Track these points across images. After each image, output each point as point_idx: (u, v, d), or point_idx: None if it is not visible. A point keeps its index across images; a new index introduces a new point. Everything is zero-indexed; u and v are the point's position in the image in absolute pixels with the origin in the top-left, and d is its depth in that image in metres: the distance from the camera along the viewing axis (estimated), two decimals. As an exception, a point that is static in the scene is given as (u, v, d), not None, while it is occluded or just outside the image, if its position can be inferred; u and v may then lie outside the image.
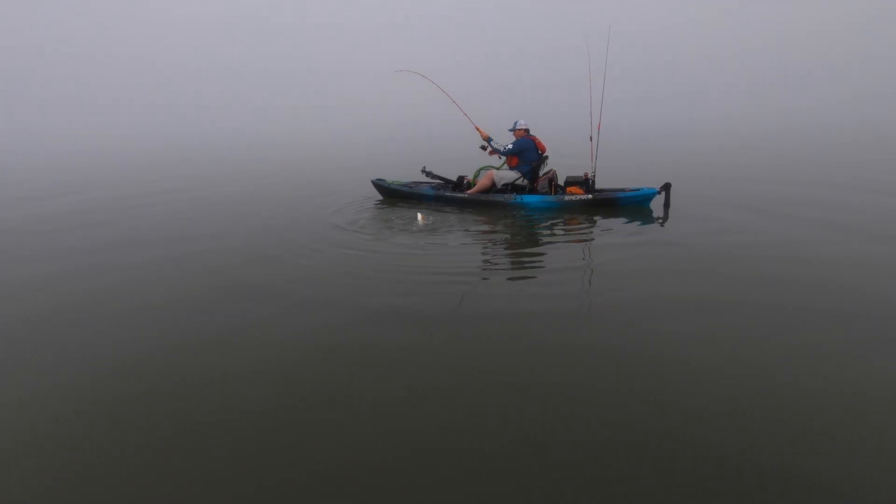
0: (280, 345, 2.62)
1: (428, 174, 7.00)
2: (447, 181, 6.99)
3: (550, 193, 6.11)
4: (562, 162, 7.09)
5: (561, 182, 6.29)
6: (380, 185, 7.17)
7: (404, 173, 7.77)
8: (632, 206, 5.84)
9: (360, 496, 1.56)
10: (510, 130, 6.33)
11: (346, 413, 2.00)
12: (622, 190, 6.00)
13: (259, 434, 1.87)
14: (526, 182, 6.32)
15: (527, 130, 6.28)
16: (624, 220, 5.28)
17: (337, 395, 2.13)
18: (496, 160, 6.55)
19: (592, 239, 4.63)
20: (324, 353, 2.51)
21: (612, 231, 4.83)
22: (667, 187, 5.74)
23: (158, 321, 2.97)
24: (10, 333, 2.88)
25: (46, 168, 14.20)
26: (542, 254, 4.26)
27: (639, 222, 5.17)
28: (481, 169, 6.66)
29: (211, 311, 3.12)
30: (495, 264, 4.06)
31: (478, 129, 6.41)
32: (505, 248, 4.47)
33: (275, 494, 1.58)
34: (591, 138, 6.08)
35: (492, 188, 6.39)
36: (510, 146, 6.22)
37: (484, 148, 6.43)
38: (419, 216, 5.50)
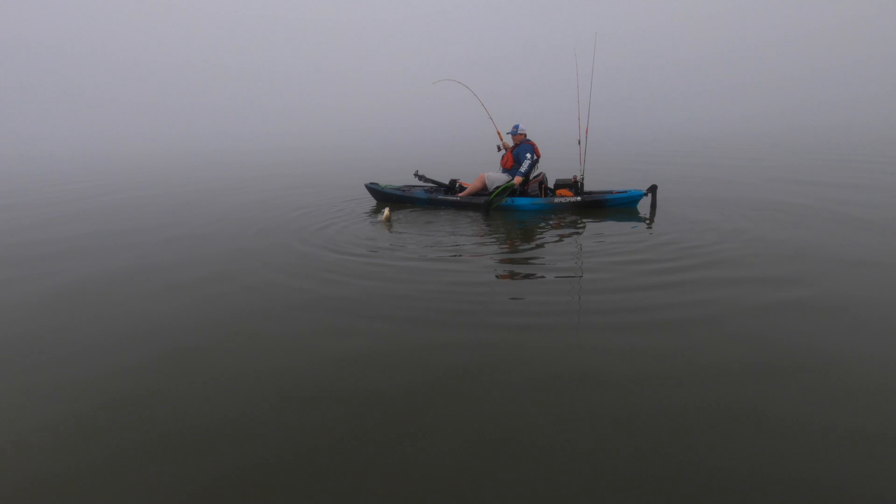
0: (278, 346, 2.71)
1: (420, 178, 7.13)
2: (440, 184, 7.13)
3: (541, 196, 6.27)
4: (551, 165, 7.26)
5: (551, 185, 6.46)
6: (373, 190, 7.28)
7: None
8: (619, 207, 6.02)
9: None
10: (509, 134, 6.47)
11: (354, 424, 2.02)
12: (610, 192, 6.18)
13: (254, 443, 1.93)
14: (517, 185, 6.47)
15: (525, 135, 6.43)
16: (612, 221, 5.44)
17: (336, 402, 2.17)
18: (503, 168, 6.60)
19: (581, 240, 4.76)
20: (326, 357, 2.59)
21: (601, 232, 4.98)
22: (653, 189, 5.93)
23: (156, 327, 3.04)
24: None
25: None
26: (533, 255, 4.38)
27: (627, 223, 5.33)
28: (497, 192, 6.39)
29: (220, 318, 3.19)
30: (488, 266, 4.15)
31: (499, 135, 6.64)
32: (497, 250, 4.58)
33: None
34: (579, 142, 6.27)
35: (483, 191, 6.53)
36: (525, 166, 6.21)
37: (499, 148, 6.58)
38: (385, 211, 5.87)
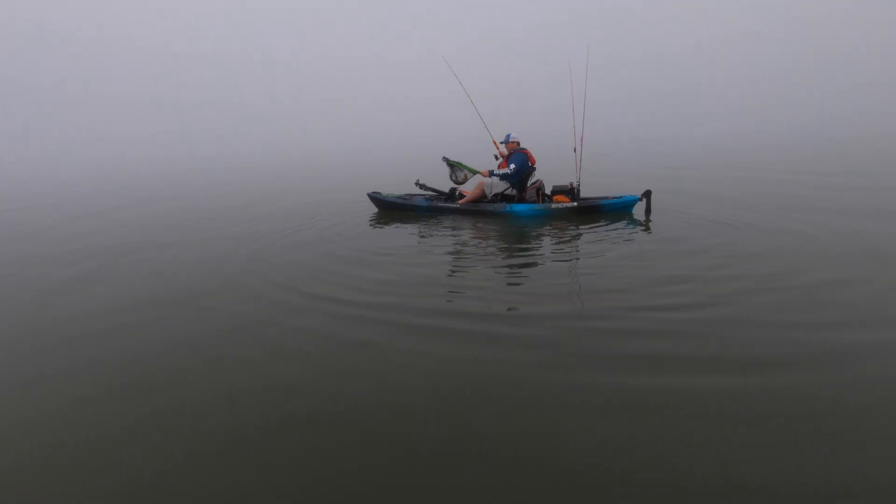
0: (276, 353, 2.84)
1: (421, 186, 7.30)
2: (440, 193, 7.30)
3: (538, 202, 6.44)
4: (548, 172, 7.43)
5: (548, 191, 6.63)
6: (375, 198, 7.45)
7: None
8: (615, 212, 6.18)
9: None
10: (502, 143, 6.66)
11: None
12: (605, 198, 6.34)
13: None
14: (515, 192, 6.65)
15: (517, 143, 6.62)
16: (608, 225, 5.59)
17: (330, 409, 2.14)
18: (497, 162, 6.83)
19: (579, 244, 4.90)
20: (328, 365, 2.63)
21: (598, 236, 5.12)
22: (647, 194, 6.09)
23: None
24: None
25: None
26: (532, 259, 4.51)
27: (622, 227, 5.48)
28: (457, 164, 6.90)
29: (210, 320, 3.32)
30: (490, 274, 4.16)
31: (495, 144, 6.78)
32: (498, 257, 4.66)
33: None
34: (574, 150, 6.45)
35: (482, 198, 6.70)
36: (512, 167, 6.47)
37: (497, 157, 6.78)
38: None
